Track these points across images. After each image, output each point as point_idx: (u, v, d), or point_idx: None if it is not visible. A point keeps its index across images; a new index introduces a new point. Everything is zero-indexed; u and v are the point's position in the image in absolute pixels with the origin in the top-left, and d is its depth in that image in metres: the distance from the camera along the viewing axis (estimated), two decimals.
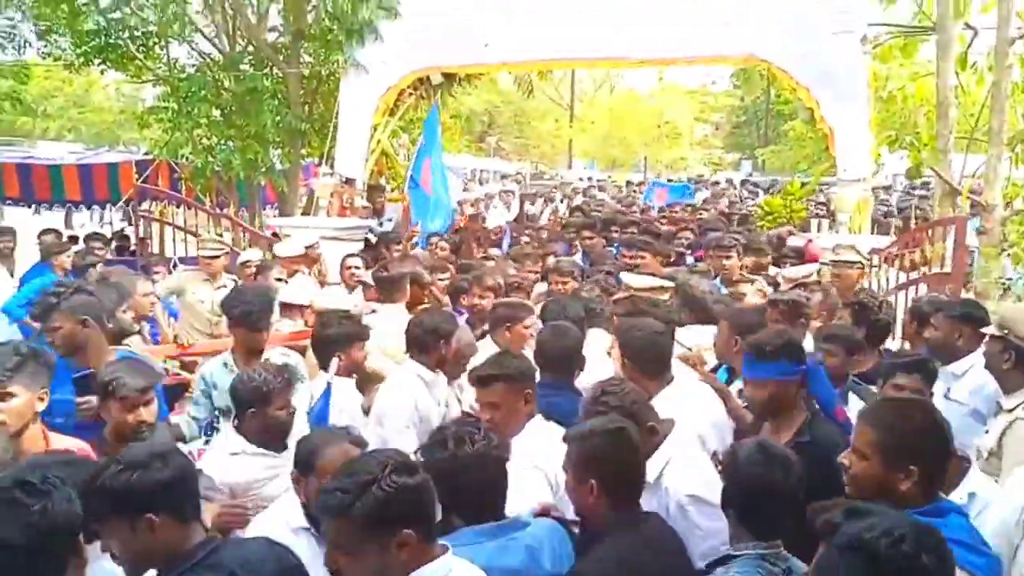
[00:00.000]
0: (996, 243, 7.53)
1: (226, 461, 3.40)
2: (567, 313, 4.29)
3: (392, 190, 10.62)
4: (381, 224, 9.65)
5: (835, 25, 7.70)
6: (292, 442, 3.34)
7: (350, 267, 6.68)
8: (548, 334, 3.90)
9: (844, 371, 3.95)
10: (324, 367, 4.18)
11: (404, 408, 3.89)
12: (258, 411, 3.41)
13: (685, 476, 2.88)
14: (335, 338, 4.21)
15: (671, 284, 4.83)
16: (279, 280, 6.31)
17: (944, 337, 4.06)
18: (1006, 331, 3.45)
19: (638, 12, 8.24)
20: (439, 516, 2.21)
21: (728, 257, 6.24)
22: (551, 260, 6.66)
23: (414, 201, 8.95)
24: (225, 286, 6.65)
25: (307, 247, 7.42)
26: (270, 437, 3.44)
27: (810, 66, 7.84)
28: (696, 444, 3.24)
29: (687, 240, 7.98)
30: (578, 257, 7.43)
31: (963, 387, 3.77)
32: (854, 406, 3.50)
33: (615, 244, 7.79)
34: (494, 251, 8.75)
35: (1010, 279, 7.52)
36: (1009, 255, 7.65)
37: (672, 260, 7.11)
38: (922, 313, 4.44)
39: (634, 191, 20.16)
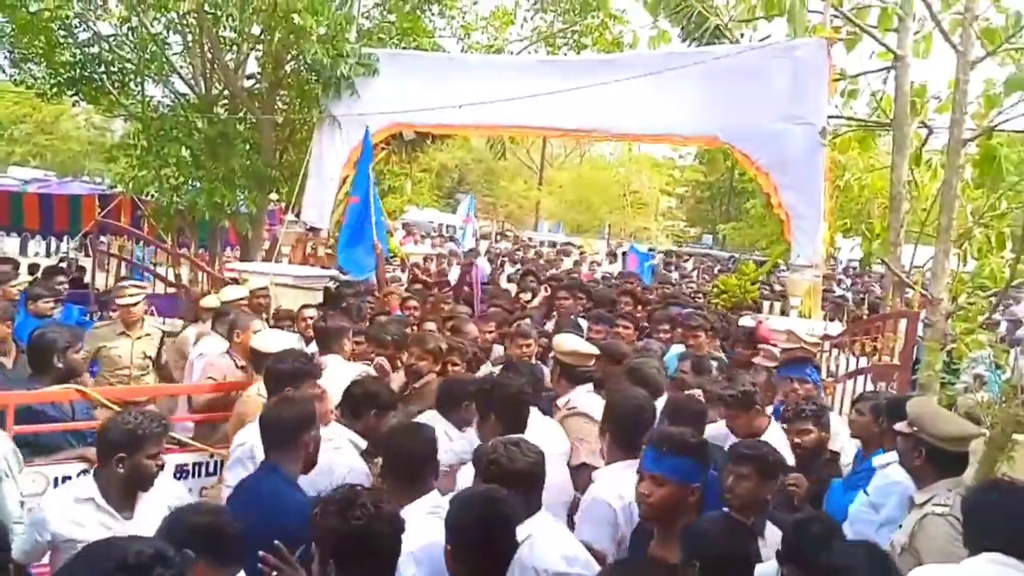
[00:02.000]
0: (940, 337, 7.75)
1: (67, 506, 3.24)
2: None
3: None
4: (345, 274, 9.65)
5: (795, 116, 7.96)
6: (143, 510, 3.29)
7: (306, 318, 6.61)
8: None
9: (759, 496, 3.40)
10: None
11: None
12: (127, 456, 3.23)
13: (547, 550, 2.88)
14: (287, 374, 4.19)
15: (596, 352, 4.89)
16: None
17: (865, 428, 4.31)
18: (915, 428, 3.53)
19: (610, 88, 8.45)
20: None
21: (696, 336, 6.40)
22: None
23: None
24: (149, 335, 6.46)
25: (252, 291, 7.39)
26: (127, 490, 3.28)
27: (770, 153, 8.07)
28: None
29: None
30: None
31: (878, 483, 3.81)
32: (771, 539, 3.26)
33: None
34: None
35: (980, 375, 7.71)
36: (952, 349, 7.86)
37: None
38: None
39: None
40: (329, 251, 10.02)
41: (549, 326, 7.33)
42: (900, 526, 3.45)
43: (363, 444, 3.90)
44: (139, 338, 6.35)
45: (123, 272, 9.76)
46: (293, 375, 4.18)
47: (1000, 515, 2.85)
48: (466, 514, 2.68)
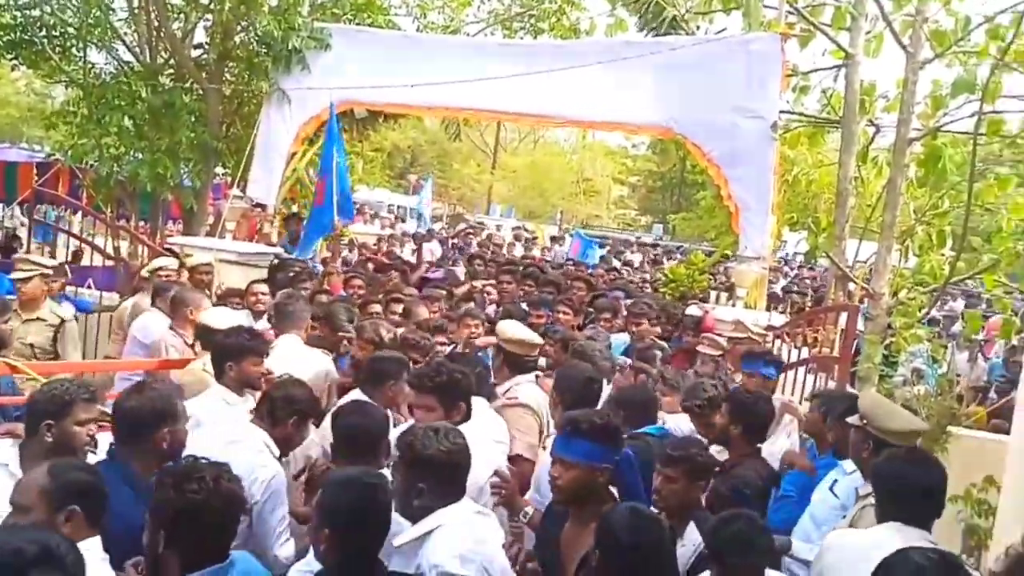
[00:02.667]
0: (880, 331, 7.91)
1: None
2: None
3: (301, 219, 10.46)
4: (289, 252, 9.47)
5: (748, 110, 8.02)
6: None
7: (255, 292, 6.45)
8: None
9: (688, 498, 3.43)
10: (219, 378, 4.18)
11: None
12: (55, 423, 3.05)
13: (443, 545, 2.79)
14: (230, 348, 4.14)
15: (540, 341, 4.84)
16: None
17: (814, 425, 4.37)
18: (864, 421, 3.61)
19: (565, 74, 8.41)
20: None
21: (639, 323, 6.39)
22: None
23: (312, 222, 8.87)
24: (42, 320, 5.75)
25: (195, 267, 7.21)
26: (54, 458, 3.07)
27: (721, 145, 8.12)
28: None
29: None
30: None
31: (845, 485, 3.80)
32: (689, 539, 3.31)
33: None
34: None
35: (918, 369, 7.88)
36: (892, 342, 8.04)
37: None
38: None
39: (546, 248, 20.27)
40: (280, 229, 9.84)
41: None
42: (843, 516, 3.51)
43: (276, 451, 3.61)
44: (27, 321, 5.67)
45: (60, 242, 9.47)
46: (239, 350, 4.13)
47: (906, 484, 2.98)
48: (340, 496, 2.65)
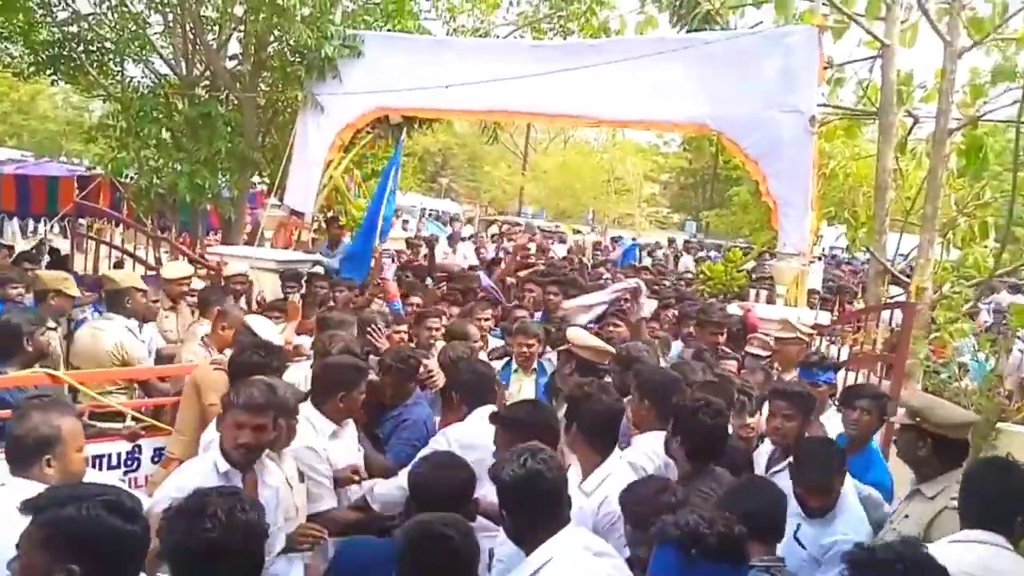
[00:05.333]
0: (924, 326, 7.78)
1: None
2: None
3: (341, 226, 10.54)
4: (334, 257, 9.55)
5: (785, 104, 7.92)
6: None
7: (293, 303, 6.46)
8: None
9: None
10: None
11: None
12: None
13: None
14: (245, 367, 4.05)
15: (612, 350, 4.85)
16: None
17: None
18: (918, 419, 3.55)
19: (598, 74, 8.39)
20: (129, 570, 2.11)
21: (720, 334, 6.26)
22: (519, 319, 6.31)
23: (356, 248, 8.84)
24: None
25: (230, 277, 7.26)
26: None
27: (759, 141, 8.03)
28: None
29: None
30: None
31: (813, 536, 3.57)
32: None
33: None
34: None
35: (963, 365, 7.73)
36: (936, 338, 7.90)
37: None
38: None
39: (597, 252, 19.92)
40: (314, 236, 9.92)
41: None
42: (907, 516, 3.45)
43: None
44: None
45: (102, 254, 9.60)
46: (250, 369, 3.99)
47: (993, 491, 2.93)
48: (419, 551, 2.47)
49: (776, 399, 4.04)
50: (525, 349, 5.38)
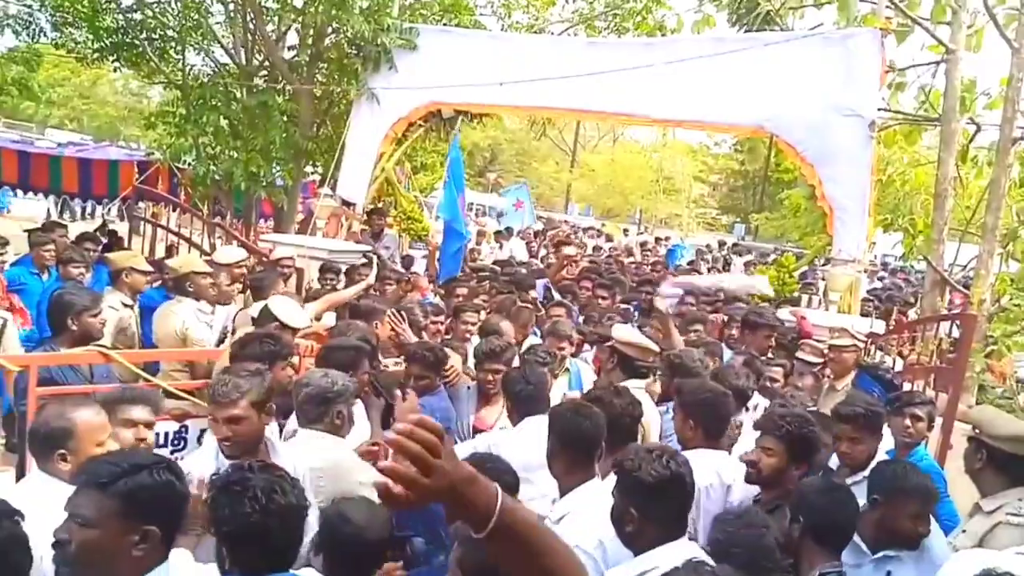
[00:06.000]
0: (981, 339, 7.61)
1: None
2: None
3: (391, 217, 10.63)
4: (376, 248, 9.64)
5: (845, 108, 7.79)
6: None
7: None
8: None
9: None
10: None
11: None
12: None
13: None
14: (257, 356, 3.89)
15: (656, 348, 4.80)
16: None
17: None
18: (978, 431, 3.49)
19: (655, 73, 8.33)
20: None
21: (771, 337, 6.13)
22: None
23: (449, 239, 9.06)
24: None
25: (276, 261, 7.34)
26: None
27: (817, 144, 7.91)
28: None
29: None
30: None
31: None
32: None
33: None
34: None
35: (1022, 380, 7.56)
36: (993, 351, 7.73)
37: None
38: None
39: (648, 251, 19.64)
40: (363, 226, 10.00)
41: None
42: (964, 531, 3.39)
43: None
44: None
45: (158, 238, 9.80)
46: (259, 358, 3.83)
47: None
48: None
49: (841, 423, 3.84)
50: (556, 350, 5.28)
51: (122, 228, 11.96)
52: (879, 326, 7.21)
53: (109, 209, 14.34)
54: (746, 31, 9.77)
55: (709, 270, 14.53)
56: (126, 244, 10.21)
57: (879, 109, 8.46)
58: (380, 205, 10.91)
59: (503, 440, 3.86)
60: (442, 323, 6.02)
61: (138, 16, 10.64)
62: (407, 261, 10.11)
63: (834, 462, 4.03)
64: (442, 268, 9.10)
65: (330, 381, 3.58)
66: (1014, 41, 8.26)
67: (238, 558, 2.37)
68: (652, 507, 2.62)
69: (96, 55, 10.74)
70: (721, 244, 24.85)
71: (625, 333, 4.84)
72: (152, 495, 2.17)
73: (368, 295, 6.46)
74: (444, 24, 10.85)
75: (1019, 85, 8.30)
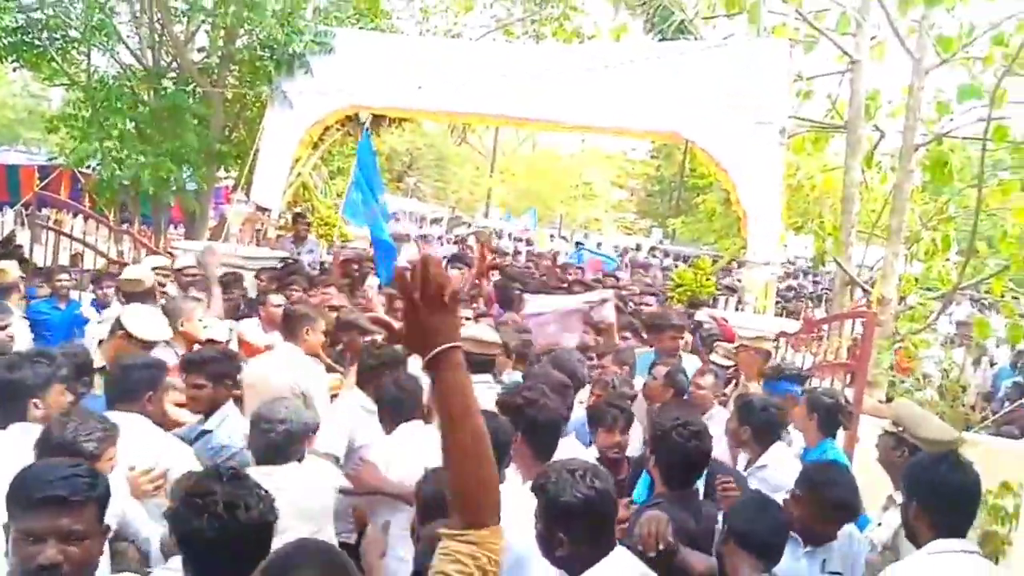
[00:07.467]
0: (888, 336, 7.90)
1: None
2: None
3: (308, 223, 10.42)
4: (299, 254, 9.44)
5: (757, 115, 7.98)
6: None
7: (276, 304, 6.17)
8: None
9: None
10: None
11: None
12: None
13: None
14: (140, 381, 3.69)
15: (498, 340, 4.69)
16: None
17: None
18: (900, 428, 3.58)
19: (573, 80, 8.38)
20: None
21: (680, 337, 6.03)
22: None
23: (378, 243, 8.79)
24: None
25: (179, 270, 7.11)
26: None
27: (731, 151, 8.08)
28: None
29: None
30: None
31: None
32: None
33: None
34: None
35: (926, 375, 7.82)
36: (901, 347, 8.02)
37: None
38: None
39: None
40: (279, 232, 9.79)
41: None
42: (879, 524, 3.47)
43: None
44: None
45: (62, 246, 9.39)
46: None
47: (953, 493, 2.84)
48: None
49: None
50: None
51: (23, 236, 11.43)
52: (791, 325, 7.40)
53: (6, 217, 13.70)
54: (661, 39, 9.93)
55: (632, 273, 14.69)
56: (27, 253, 9.76)
57: (788, 116, 8.71)
58: (301, 210, 10.71)
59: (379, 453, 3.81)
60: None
61: (39, 15, 10.15)
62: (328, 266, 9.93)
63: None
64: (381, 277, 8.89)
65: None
66: (915, 52, 8.61)
67: (198, 572, 2.29)
68: (582, 529, 2.56)
69: None
70: (638, 247, 25.23)
71: (468, 331, 4.65)
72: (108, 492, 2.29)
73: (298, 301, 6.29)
74: (360, 28, 10.70)
75: (920, 94, 8.66)
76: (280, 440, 3.49)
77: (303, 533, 2.99)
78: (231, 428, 3.96)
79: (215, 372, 4.04)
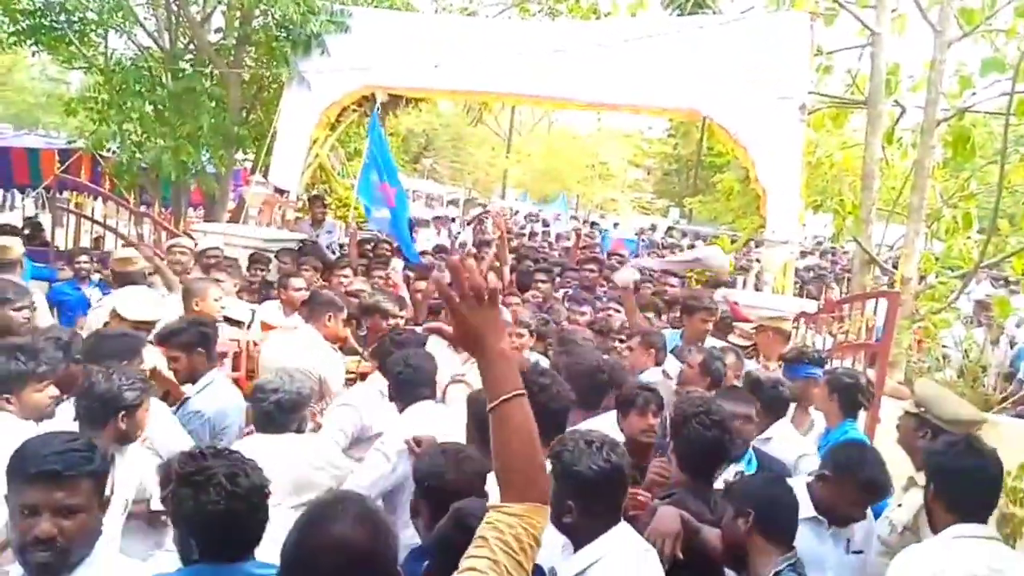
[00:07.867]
0: (909, 315, 7.82)
1: None
2: None
3: (325, 204, 10.44)
4: (317, 236, 9.47)
5: (777, 91, 7.88)
6: None
7: (297, 288, 6.19)
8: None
9: None
10: None
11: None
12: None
13: None
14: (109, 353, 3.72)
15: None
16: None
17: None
18: (922, 409, 3.55)
19: (590, 57, 8.32)
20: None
21: (711, 320, 5.82)
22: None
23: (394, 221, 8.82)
24: None
25: (203, 252, 7.14)
26: None
27: (751, 127, 7.99)
28: None
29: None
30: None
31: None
32: None
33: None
34: None
35: (946, 355, 7.75)
36: (921, 327, 7.95)
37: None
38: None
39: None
40: (298, 214, 9.81)
41: None
42: (900, 504, 3.46)
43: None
44: None
45: (83, 229, 9.45)
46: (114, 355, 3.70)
47: (970, 478, 2.84)
48: None
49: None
50: (515, 339, 5.06)
51: (45, 219, 11.52)
52: (811, 305, 7.34)
53: (29, 200, 13.83)
54: (679, 15, 9.84)
55: (649, 254, 14.66)
56: (48, 236, 9.85)
57: (808, 92, 8.61)
58: (318, 192, 10.72)
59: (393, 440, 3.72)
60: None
61: None
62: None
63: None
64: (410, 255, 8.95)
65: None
66: (937, 24, 8.47)
67: (207, 547, 2.32)
68: (592, 500, 2.58)
69: (12, 39, 10.28)
70: (653, 228, 25.07)
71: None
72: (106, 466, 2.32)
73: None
74: (376, 7, 10.66)
75: (941, 68, 8.51)
76: (272, 409, 3.59)
77: (290, 503, 3.16)
78: (212, 395, 4.10)
79: (183, 343, 4.17)
